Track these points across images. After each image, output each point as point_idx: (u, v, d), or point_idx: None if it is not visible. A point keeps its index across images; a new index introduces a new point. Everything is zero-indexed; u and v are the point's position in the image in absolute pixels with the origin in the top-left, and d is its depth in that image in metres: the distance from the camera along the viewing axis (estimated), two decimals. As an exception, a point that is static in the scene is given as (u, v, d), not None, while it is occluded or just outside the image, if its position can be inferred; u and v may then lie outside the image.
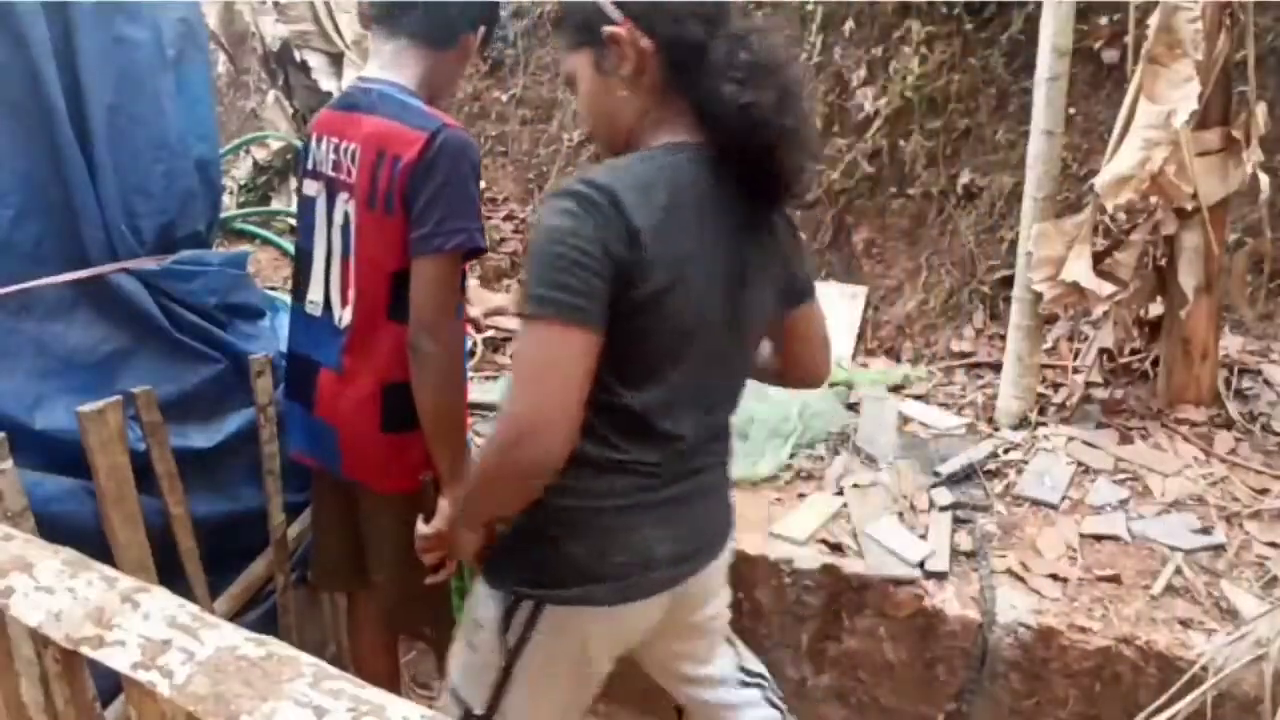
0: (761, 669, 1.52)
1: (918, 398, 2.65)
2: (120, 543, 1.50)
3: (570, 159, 3.83)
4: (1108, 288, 2.19)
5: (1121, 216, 2.58)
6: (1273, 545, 1.86)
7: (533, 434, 0.95)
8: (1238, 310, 2.61)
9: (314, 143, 1.52)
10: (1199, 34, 1.99)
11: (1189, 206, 2.17)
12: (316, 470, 1.67)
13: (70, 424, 1.46)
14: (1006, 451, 2.28)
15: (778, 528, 2.01)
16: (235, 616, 1.86)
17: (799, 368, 1.36)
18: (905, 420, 2.50)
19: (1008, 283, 2.74)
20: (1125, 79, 2.22)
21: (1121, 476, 2.13)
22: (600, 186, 0.97)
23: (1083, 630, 1.69)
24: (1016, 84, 2.98)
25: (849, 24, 3.20)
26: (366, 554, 1.64)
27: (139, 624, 0.62)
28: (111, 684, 1.22)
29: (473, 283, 3.34)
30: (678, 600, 1.22)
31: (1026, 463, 2.22)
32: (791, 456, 2.34)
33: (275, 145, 4.07)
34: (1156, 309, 2.45)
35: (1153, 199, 2.26)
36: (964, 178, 3.06)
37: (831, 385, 2.71)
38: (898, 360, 3.00)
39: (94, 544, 1.25)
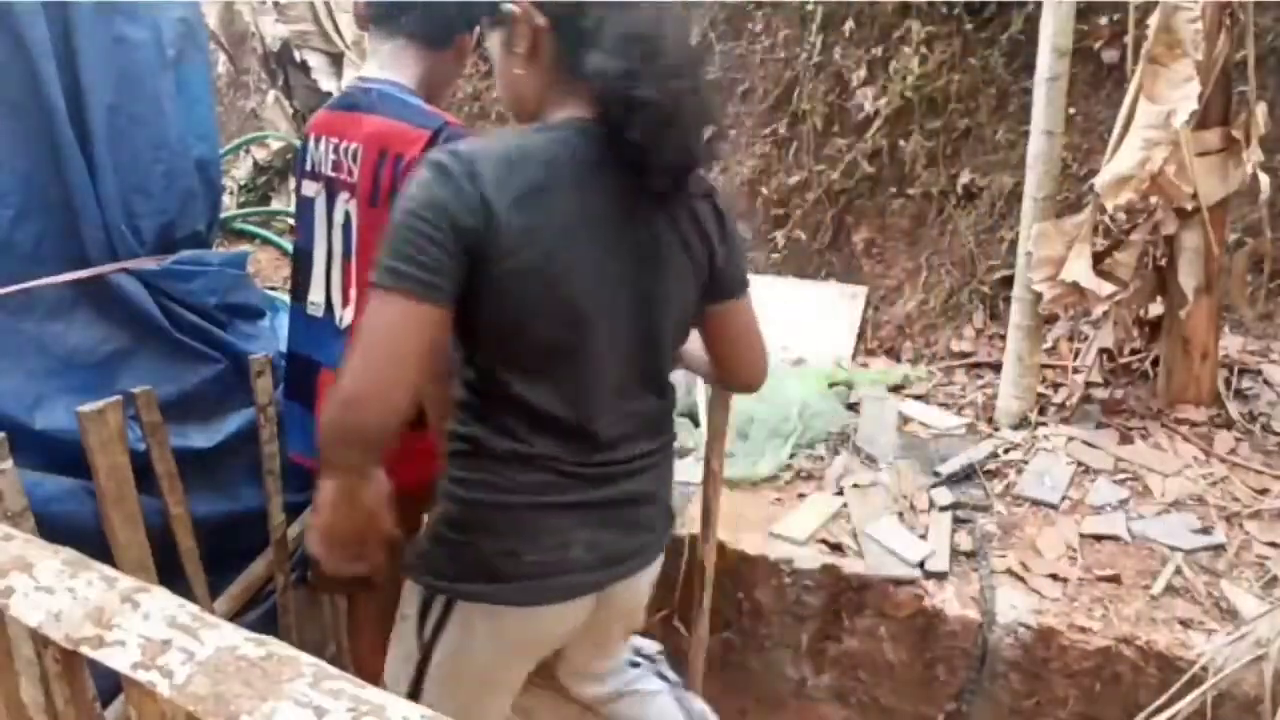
0: (653, 650, 1.53)
1: (918, 398, 2.65)
2: (120, 543, 1.50)
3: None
4: (1108, 288, 2.19)
5: (1121, 216, 2.57)
6: (1273, 545, 1.86)
7: (359, 402, 0.94)
8: (1238, 310, 2.61)
9: (312, 143, 1.52)
10: (1199, 34, 1.98)
11: (1189, 206, 2.17)
12: (317, 472, 1.66)
13: (70, 424, 1.46)
14: (1006, 451, 2.28)
15: (778, 528, 2.01)
16: (235, 616, 1.86)
17: (726, 368, 1.33)
18: (905, 420, 2.50)
19: (1008, 283, 2.74)
20: (1125, 79, 2.22)
21: (1121, 476, 2.13)
22: (461, 157, 0.98)
23: (1083, 630, 1.69)
24: (1016, 84, 2.98)
25: (849, 24, 3.20)
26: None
27: (139, 624, 0.62)
28: (111, 684, 1.23)
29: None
30: (604, 604, 1.20)
31: (1026, 463, 2.22)
32: (791, 456, 2.34)
33: (275, 145, 4.08)
34: (1156, 309, 2.45)
35: (1153, 199, 2.26)
36: (964, 178, 3.06)
37: (831, 385, 2.71)
38: (898, 360, 3.00)
39: (94, 544, 1.25)
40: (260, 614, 1.93)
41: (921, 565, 1.87)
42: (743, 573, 1.97)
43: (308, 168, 1.53)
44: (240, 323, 1.89)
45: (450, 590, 1.13)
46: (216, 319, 1.82)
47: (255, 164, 4.11)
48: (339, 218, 1.47)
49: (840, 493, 2.17)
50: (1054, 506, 2.05)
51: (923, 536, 1.96)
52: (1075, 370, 2.60)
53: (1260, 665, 1.45)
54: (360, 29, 1.59)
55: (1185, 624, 1.68)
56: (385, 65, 1.47)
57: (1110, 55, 2.84)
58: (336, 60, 3.85)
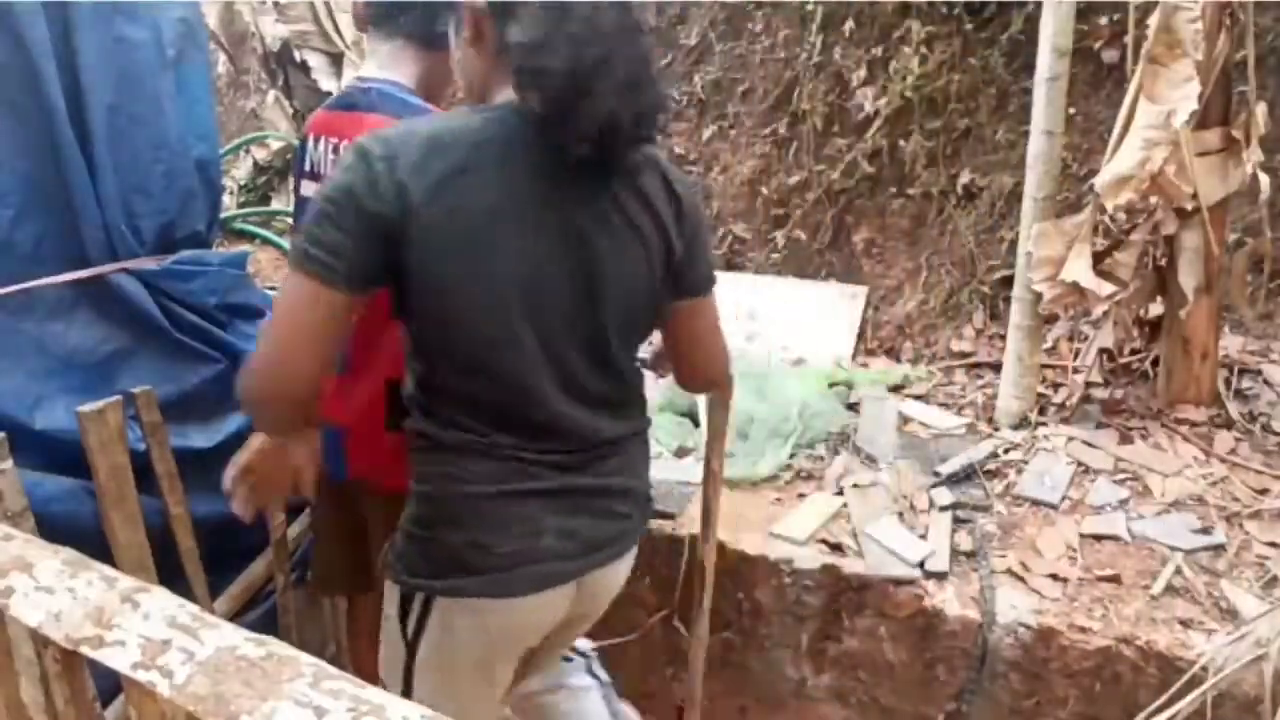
0: (586, 646, 1.53)
1: (918, 398, 2.66)
2: (120, 543, 1.50)
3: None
4: (1108, 288, 2.19)
5: (1121, 216, 2.58)
6: (1273, 545, 1.86)
7: (263, 373, 1.00)
8: (1238, 310, 2.61)
9: (311, 143, 1.52)
10: (1199, 34, 1.98)
11: (1189, 206, 2.17)
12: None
13: (70, 424, 1.46)
14: (1006, 451, 2.28)
15: (778, 528, 2.01)
16: (235, 616, 1.86)
17: (685, 367, 1.31)
18: (905, 420, 2.50)
19: (1008, 283, 2.74)
20: (1125, 79, 2.22)
21: (1121, 476, 2.13)
22: (383, 142, 0.98)
23: (1083, 630, 1.69)
24: (1016, 84, 2.98)
25: (849, 24, 3.20)
26: (368, 554, 1.64)
27: (139, 624, 0.62)
28: (111, 684, 1.23)
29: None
30: (584, 592, 1.20)
31: (1026, 463, 2.22)
32: (791, 456, 2.34)
33: (275, 145, 4.08)
34: (1156, 309, 2.45)
35: (1153, 199, 2.26)
36: (964, 178, 3.06)
37: (831, 385, 2.71)
38: (898, 360, 3.00)
39: (94, 544, 1.25)
40: (260, 614, 1.93)
41: (921, 565, 1.87)
42: (743, 573, 1.97)
43: (307, 168, 1.53)
44: (240, 323, 1.89)
45: (426, 587, 1.13)
46: (216, 319, 1.82)
47: (255, 164, 4.11)
48: (338, 218, 1.47)
49: (840, 493, 2.17)
50: (1054, 506, 2.05)
51: (923, 536, 1.96)
52: (1075, 370, 2.60)
53: (1260, 665, 1.45)
54: (359, 30, 1.59)
55: (1185, 624, 1.68)
56: (384, 65, 1.47)
57: (1110, 55, 2.84)
58: (336, 60, 3.85)
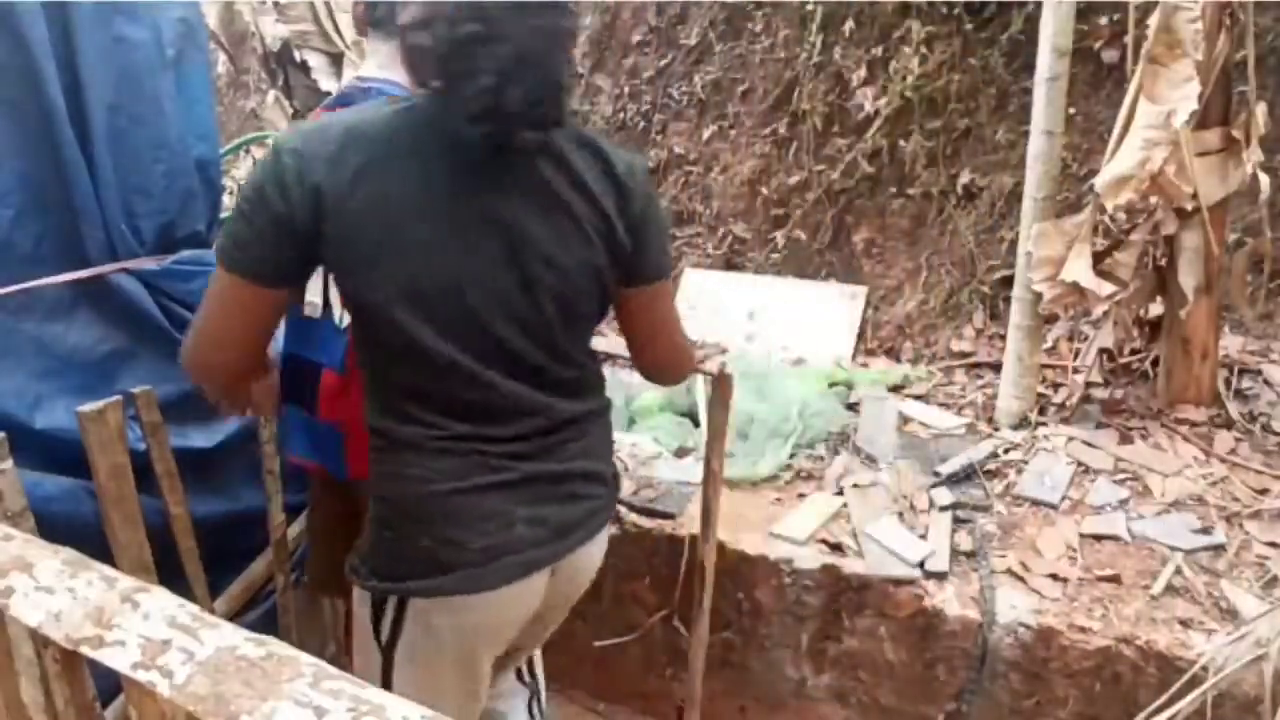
0: (539, 672, 1.52)
1: (918, 398, 2.66)
2: (120, 543, 1.50)
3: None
4: (1108, 288, 2.19)
5: (1121, 216, 2.58)
6: (1273, 545, 1.86)
7: (191, 353, 1.10)
8: (1238, 310, 2.61)
9: None
10: (1199, 34, 1.98)
11: (1189, 206, 2.17)
12: (316, 474, 1.66)
13: (70, 424, 1.46)
14: (1006, 451, 2.28)
15: (778, 528, 2.01)
16: (235, 616, 1.86)
17: (640, 358, 1.30)
18: (905, 420, 2.50)
19: (1008, 283, 2.74)
20: (1125, 79, 2.22)
21: (1121, 476, 2.13)
22: (298, 138, 0.99)
23: (1083, 630, 1.69)
24: (1016, 84, 2.98)
25: (849, 24, 3.20)
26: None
27: (139, 624, 0.62)
28: (111, 684, 1.23)
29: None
30: (559, 578, 1.20)
31: (1026, 463, 2.22)
32: (791, 456, 2.34)
33: (275, 145, 4.07)
34: (1156, 309, 2.45)
35: (1153, 199, 2.26)
36: (964, 178, 3.06)
37: (831, 385, 2.71)
38: (898, 360, 3.00)
39: (94, 544, 1.25)
40: (260, 614, 1.93)
41: (921, 565, 1.87)
42: (743, 573, 1.97)
43: (306, 168, 1.53)
44: (240, 323, 1.89)
45: (399, 590, 1.12)
46: (216, 319, 1.82)
47: (255, 164, 4.11)
48: (337, 217, 1.47)
49: (840, 493, 2.17)
50: (1054, 506, 2.05)
51: (923, 536, 1.96)
52: (1075, 370, 2.60)
53: (1260, 665, 1.45)
54: (359, 34, 1.59)
55: (1185, 624, 1.67)
56: (384, 65, 1.47)
57: (1110, 55, 2.84)
58: (336, 60, 3.84)
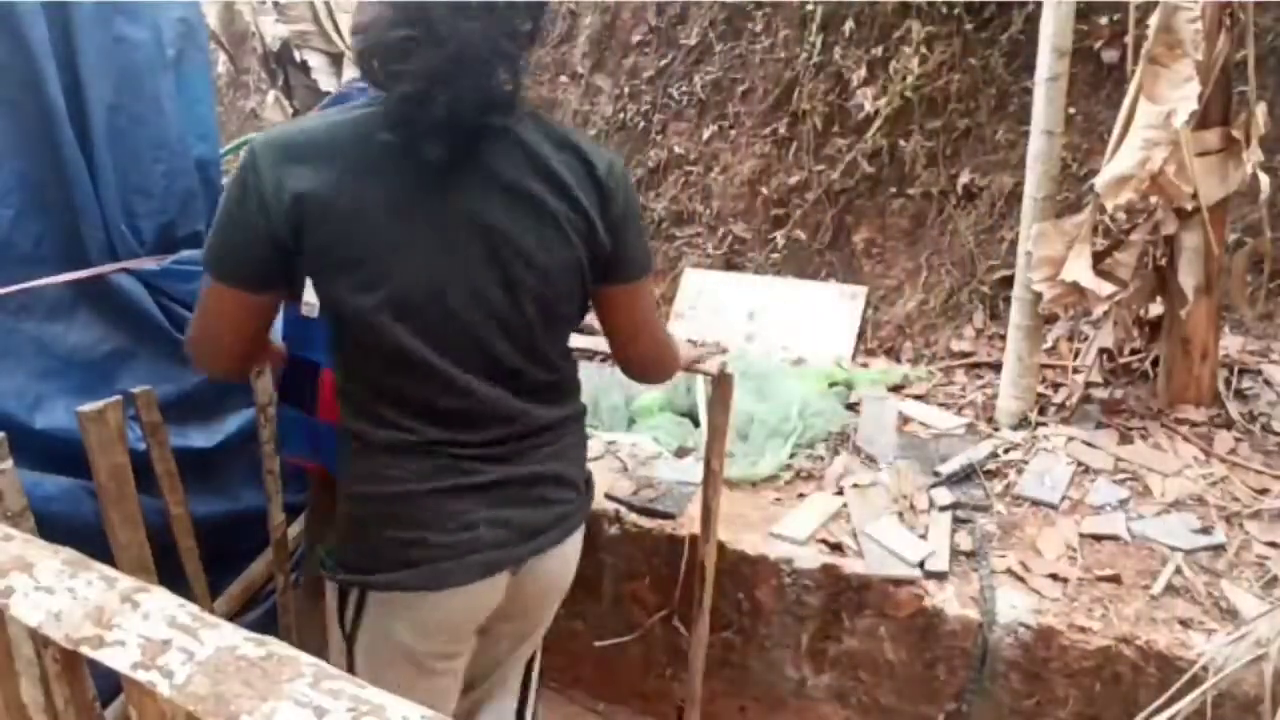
0: (530, 698, 1.48)
1: (918, 398, 2.66)
2: (120, 543, 1.50)
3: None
4: (1108, 288, 2.19)
5: (1121, 216, 2.58)
6: (1273, 545, 1.86)
7: (192, 346, 1.16)
8: (1238, 310, 2.61)
9: None
10: (1199, 34, 1.98)
11: (1189, 206, 2.17)
12: (315, 474, 1.66)
13: (70, 424, 1.46)
14: (1006, 451, 2.28)
15: (778, 528, 2.01)
16: (235, 616, 1.86)
17: (619, 355, 1.30)
18: (905, 420, 2.50)
19: (1008, 283, 2.74)
20: (1125, 79, 2.22)
21: (1121, 476, 2.13)
22: (270, 144, 0.99)
23: (1083, 630, 1.69)
24: (1016, 84, 2.98)
25: (849, 24, 3.20)
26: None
27: (139, 624, 0.62)
28: (111, 684, 1.22)
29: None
30: (523, 580, 1.20)
31: (1026, 463, 2.22)
32: (791, 456, 2.34)
33: (275, 145, 4.07)
34: (1156, 309, 2.45)
35: (1153, 199, 2.26)
36: (964, 178, 3.06)
37: (831, 385, 2.71)
38: (898, 360, 3.00)
39: (94, 544, 1.25)
40: (260, 614, 1.93)
41: (921, 565, 1.87)
42: (743, 573, 1.97)
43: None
44: (240, 323, 1.89)
45: (362, 583, 1.14)
46: (216, 319, 1.82)
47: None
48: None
49: (840, 493, 2.17)
50: (1054, 506, 2.05)
51: (923, 536, 1.96)
52: (1075, 370, 2.60)
53: (1260, 665, 1.45)
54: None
55: (1185, 624, 1.67)
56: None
57: (1110, 55, 2.84)
58: (336, 60, 3.84)
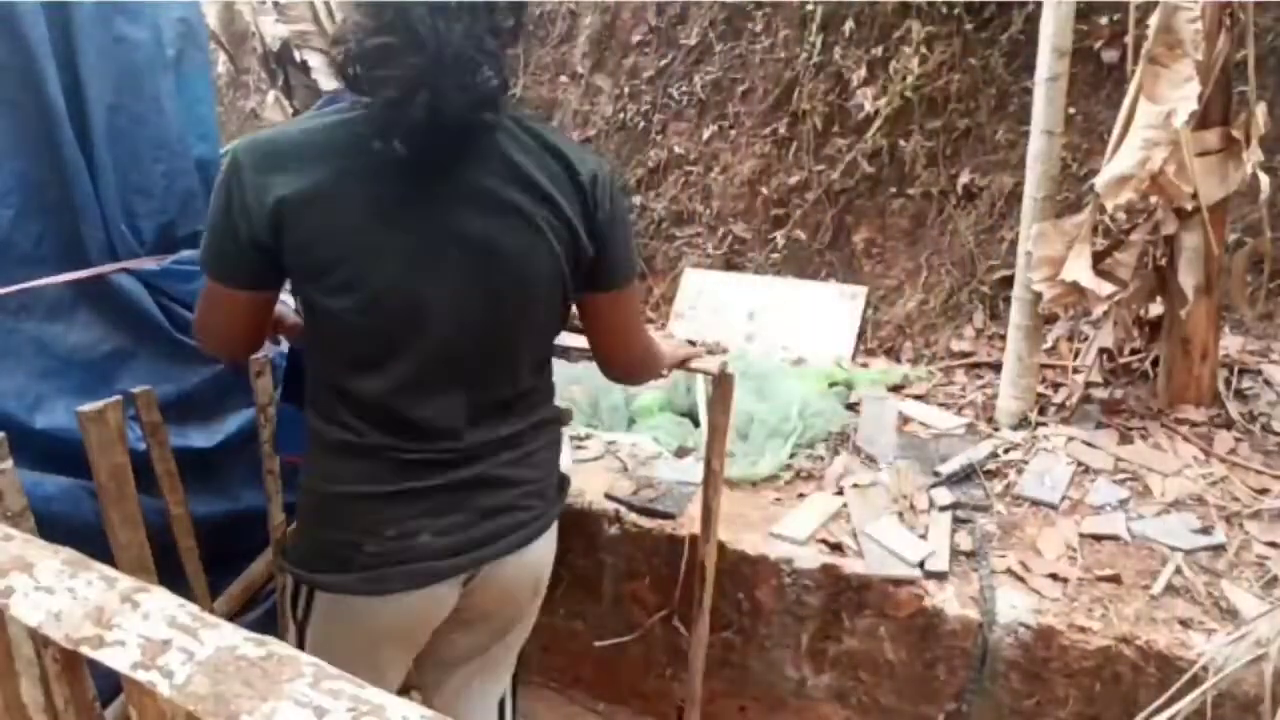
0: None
1: (918, 398, 2.66)
2: (120, 543, 1.50)
3: (570, 159, 3.83)
4: (1108, 288, 2.19)
5: (1121, 216, 2.58)
6: (1273, 545, 1.86)
7: (199, 340, 1.22)
8: (1238, 310, 2.61)
9: None
10: (1199, 34, 1.98)
11: (1189, 206, 2.17)
12: None
13: (70, 424, 1.46)
14: (1006, 451, 2.28)
15: (778, 528, 2.01)
16: (235, 616, 1.86)
17: (599, 356, 1.29)
18: (905, 420, 2.50)
19: (1008, 283, 2.74)
20: (1125, 79, 2.22)
21: (1121, 476, 2.13)
22: (252, 149, 1.01)
23: (1083, 630, 1.69)
24: (1016, 84, 2.98)
25: (849, 24, 3.20)
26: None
27: (139, 624, 0.62)
28: (111, 684, 1.22)
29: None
30: (478, 588, 1.19)
31: (1026, 463, 2.22)
32: (791, 456, 2.34)
33: (275, 145, 4.06)
34: (1156, 309, 2.45)
35: (1153, 199, 2.26)
36: (964, 178, 3.06)
37: (831, 385, 2.71)
38: (898, 360, 3.00)
39: (94, 544, 1.25)
40: (260, 614, 1.93)
41: (921, 565, 1.87)
42: (743, 573, 1.97)
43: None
44: (240, 323, 1.89)
45: (308, 580, 1.15)
46: (216, 319, 1.82)
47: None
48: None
49: (840, 493, 2.17)
50: (1054, 506, 2.05)
51: (923, 536, 1.96)
52: (1075, 370, 2.60)
53: (1260, 665, 1.45)
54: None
55: (1185, 624, 1.67)
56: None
57: (1110, 55, 2.84)
58: (336, 60, 3.84)
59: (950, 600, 1.81)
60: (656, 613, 2.10)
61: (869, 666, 1.92)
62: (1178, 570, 1.81)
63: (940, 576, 1.85)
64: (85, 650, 0.62)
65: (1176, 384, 2.38)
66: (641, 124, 3.71)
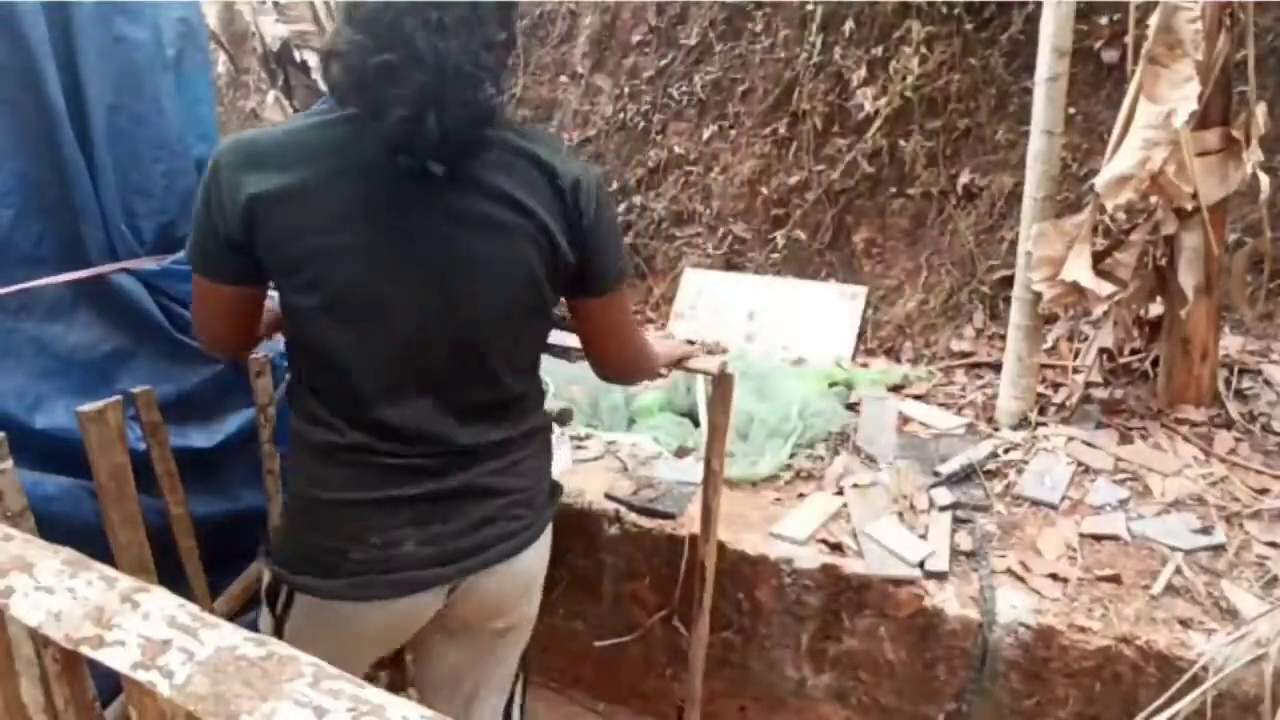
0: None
1: (918, 398, 2.66)
2: (120, 543, 1.50)
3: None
4: (1108, 288, 2.19)
5: (1121, 216, 2.58)
6: (1273, 545, 1.86)
7: (197, 336, 1.23)
8: (1238, 310, 2.61)
9: None
10: (1199, 34, 1.98)
11: (1189, 206, 2.17)
12: None
13: (70, 424, 1.46)
14: (1006, 451, 2.28)
15: (778, 528, 2.01)
16: (235, 616, 1.86)
17: (591, 356, 1.30)
18: (905, 420, 2.50)
19: (1008, 283, 2.74)
20: (1125, 79, 2.22)
21: (1121, 476, 2.13)
22: (233, 149, 1.03)
23: (1083, 630, 1.69)
24: (1016, 84, 2.98)
25: (849, 24, 3.20)
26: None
27: (139, 624, 0.62)
28: (111, 684, 1.22)
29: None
30: (463, 599, 1.19)
31: (1026, 463, 2.22)
32: (791, 456, 2.34)
33: (275, 145, 4.06)
34: (1156, 309, 2.45)
35: (1153, 199, 2.26)
36: (964, 178, 3.06)
37: (831, 385, 2.71)
38: (898, 360, 3.00)
39: (94, 544, 1.25)
40: (260, 614, 1.92)
41: (921, 565, 1.87)
42: (743, 572, 1.97)
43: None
44: (240, 323, 1.89)
45: (290, 581, 1.15)
46: (216, 319, 1.82)
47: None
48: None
49: (840, 493, 2.17)
50: (1054, 506, 2.05)
51: (923, 536, 1.96)
52: (1075, 370, 2.60)
53: (1260, 665, 1.45)
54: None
55: (1185, 624, 1.67)
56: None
57: (1110, 55, 2.84)
58: (336, 60, 3.84)
59: (950, 600, 1.81)
60: (656, 613, 2.10)
61: (869, 666, 1.92)
62: (1178, 570, 1.81)
63: (940, 576, 1.85)
64: (85, 650, 0.62)
65: (1176, 384, 2.38)
66: (641, 124, 3.71)
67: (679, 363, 1.61)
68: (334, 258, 1.02)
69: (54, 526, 1.41)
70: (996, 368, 2.65)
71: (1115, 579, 1.80)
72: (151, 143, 1.72)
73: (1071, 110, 2.75)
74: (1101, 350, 2.49)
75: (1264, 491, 2.04)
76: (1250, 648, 1.49)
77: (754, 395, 2.54)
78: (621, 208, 3.71)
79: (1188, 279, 2.25)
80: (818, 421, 2.45)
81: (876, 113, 3.15)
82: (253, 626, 0.60)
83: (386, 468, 1.10)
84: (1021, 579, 1.83)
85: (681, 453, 2.43)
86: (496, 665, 1.37)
